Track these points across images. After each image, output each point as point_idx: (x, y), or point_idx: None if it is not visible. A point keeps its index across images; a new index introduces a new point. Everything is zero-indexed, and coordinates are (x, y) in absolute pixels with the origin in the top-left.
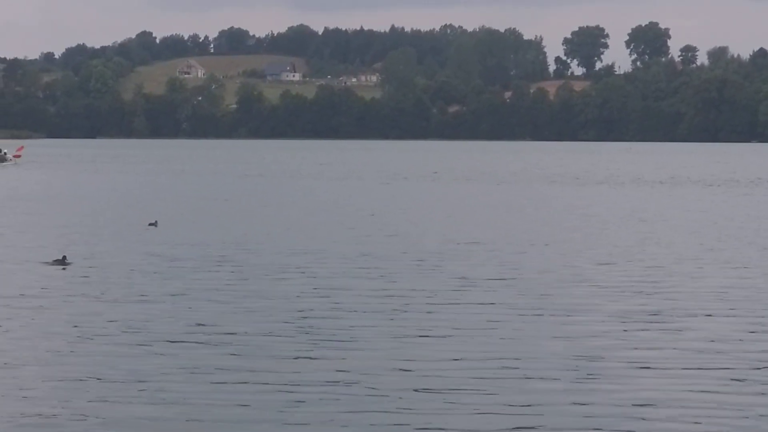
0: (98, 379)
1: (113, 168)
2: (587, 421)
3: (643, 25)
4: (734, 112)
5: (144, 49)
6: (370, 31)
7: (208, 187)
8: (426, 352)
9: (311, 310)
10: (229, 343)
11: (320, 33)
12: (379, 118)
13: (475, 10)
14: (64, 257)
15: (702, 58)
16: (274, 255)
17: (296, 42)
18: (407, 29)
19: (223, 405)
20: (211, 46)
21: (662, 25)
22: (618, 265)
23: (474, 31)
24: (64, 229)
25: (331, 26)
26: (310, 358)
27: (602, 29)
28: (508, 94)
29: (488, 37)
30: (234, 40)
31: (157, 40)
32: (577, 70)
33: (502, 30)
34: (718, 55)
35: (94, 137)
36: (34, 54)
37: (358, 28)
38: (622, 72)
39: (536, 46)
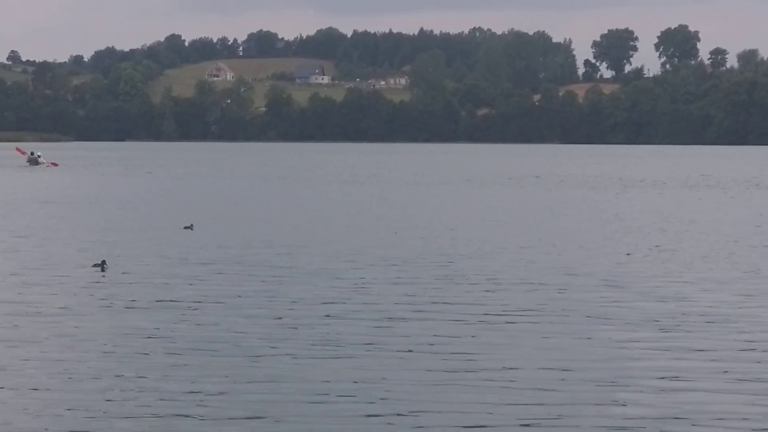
0: (140, 389)
1: (144, 171)
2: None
3: (673, 27)
4: (764, 115)
5: (173, 52)
6: (399, 34)
7: (241, 189)
8: (449, 359)
9: (353, 316)
10: (265, 354)
11: (349, 36)
12: (407, 121)
13: (504, 13)
14: (104, 261)
15: (732, 61)
16: (315, 258)
17: (325, 45)
18: (436, 32)
19: (245, 412)
20: (240, 49)
21: (692, 28)
22: (650, 268)
23: (503, 34)
24: (100, 233)
25: (360, 29)
26: (352, 368)
27: (631, 32)
28: (537, 97)
29: (517, 39)
30: (263, 43)
31: (186, 43)
32: (606, 73)
33: (531, 33)
34: (748, 57)
35: (123, 140)
36: (63, 57)
37: (387, 31)
38: (651, 75)
39: (565, 49)
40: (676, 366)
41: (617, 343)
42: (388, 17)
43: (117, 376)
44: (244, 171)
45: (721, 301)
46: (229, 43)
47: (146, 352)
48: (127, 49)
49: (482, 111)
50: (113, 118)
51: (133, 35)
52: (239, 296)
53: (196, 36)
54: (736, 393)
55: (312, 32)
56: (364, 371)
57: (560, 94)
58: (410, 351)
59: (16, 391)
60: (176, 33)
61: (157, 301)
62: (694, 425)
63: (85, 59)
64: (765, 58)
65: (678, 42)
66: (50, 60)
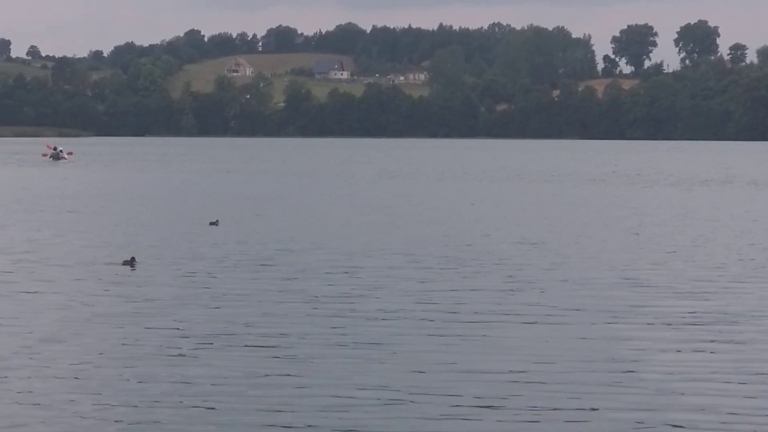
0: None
1: (165, 166)
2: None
3: (692, 23)
4: None
5: (192, 47)
6: (418, 29)
7: (264, 185)
8: (470, 356)
9: (383, 314)
10: (289, 347)
11: (368, 31)
12: (427, 117)
13: (524, 8)
14: (133, 258)
15: (751, 57)
16: (342, 255)
17: (344, 40)
18: (455, 27)
19: (269, 411)
20: (260, 44)
21: (711, 23)
22: (670, 266)
23: (522, 30)
24: (127, 229)
25: (379, 24)
26: (376, 361)
27: (651, 27)
28: (556, 93)
29: (536, 35)
30: (282, 39)
31: (206, 39)
32: (626, 68)
33: (550, 28)
34: None
35: (142, 135)
36: (82, 52)
37: (406, 26)
38: (670, 71)
39: (584, 44)
40: (713, 363)
41: (630, 340)
42: (407, 12)
43: (149, 371)
44: (275, 167)
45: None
46: (249, 38)
47: (178, 348)
48: (146, 45)
49: (501, 106)
50: (133, 114)
51: (153, 30)
52: (269, 292)
53: (216, 31)
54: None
55: (331, 27)
56: (410, 367)
57: (579, 89)
58: (440, 348)
59: (53, 385)
60: (195, 28)
61: (186, 297)
62: (721, 423)
63: (105, 54)
64: None
65: (697, 37)
66: (70, 55)
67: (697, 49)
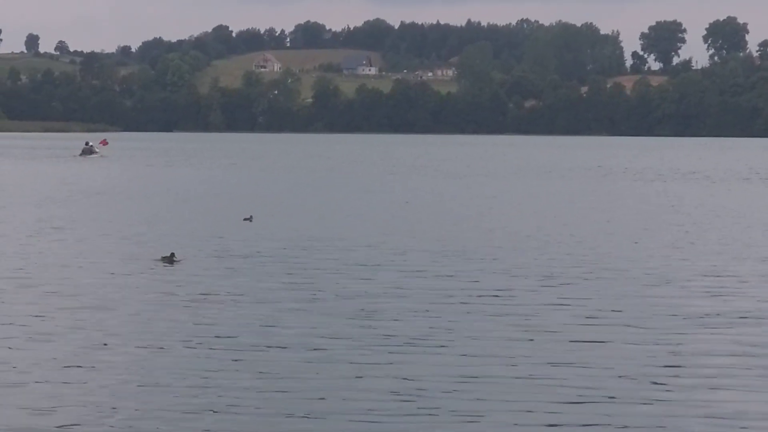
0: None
1: (195, 161)
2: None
3: (721, 19)
4: None
5: (220, 42)
6: (447, 26)
7: (297, 181)
8: (496, 356)
9: (412, 313)
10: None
11: (396, 27)
12: (455, 113)
13: (552, 5)
14: (173, 254)
15: None
16: (378, 252)
17: (372, 36)
18: (483, 23)
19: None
20: (288, 39)
21: (740, 20)
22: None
23: (550, 26)
24: (163, 224)
25: (408, 20)
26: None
27: (679, 24)
28: (584, 89)
29: (565, 31)
30: (310, 34)
31: (234, 34)
32: (654, 65)
33: (578, 24)
34: None
35: (170, 131)
36: (110, 48)
37: (435, 22)
38: (699, 67)
39: (613, 40)
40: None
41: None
42: (435, 8)
43: (189, 369)
44: (306, 163)
45: None
46: (277, 33)
47: (216, 347)
48: (174, 40)
49: (530, 103)
50: (160, 109)
51: (181, 26)
52: (307, 290)
53: (244, 27)
54: None
55: (359, 23)
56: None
57: (608, 86)
58: (470, 350)
59: (91, 382)
60: (224, 24)
61: (227, 293)
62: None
63: (133, 50)
64: None
65: (726, 34)
66: (98, 50)
67: (725, 46)
